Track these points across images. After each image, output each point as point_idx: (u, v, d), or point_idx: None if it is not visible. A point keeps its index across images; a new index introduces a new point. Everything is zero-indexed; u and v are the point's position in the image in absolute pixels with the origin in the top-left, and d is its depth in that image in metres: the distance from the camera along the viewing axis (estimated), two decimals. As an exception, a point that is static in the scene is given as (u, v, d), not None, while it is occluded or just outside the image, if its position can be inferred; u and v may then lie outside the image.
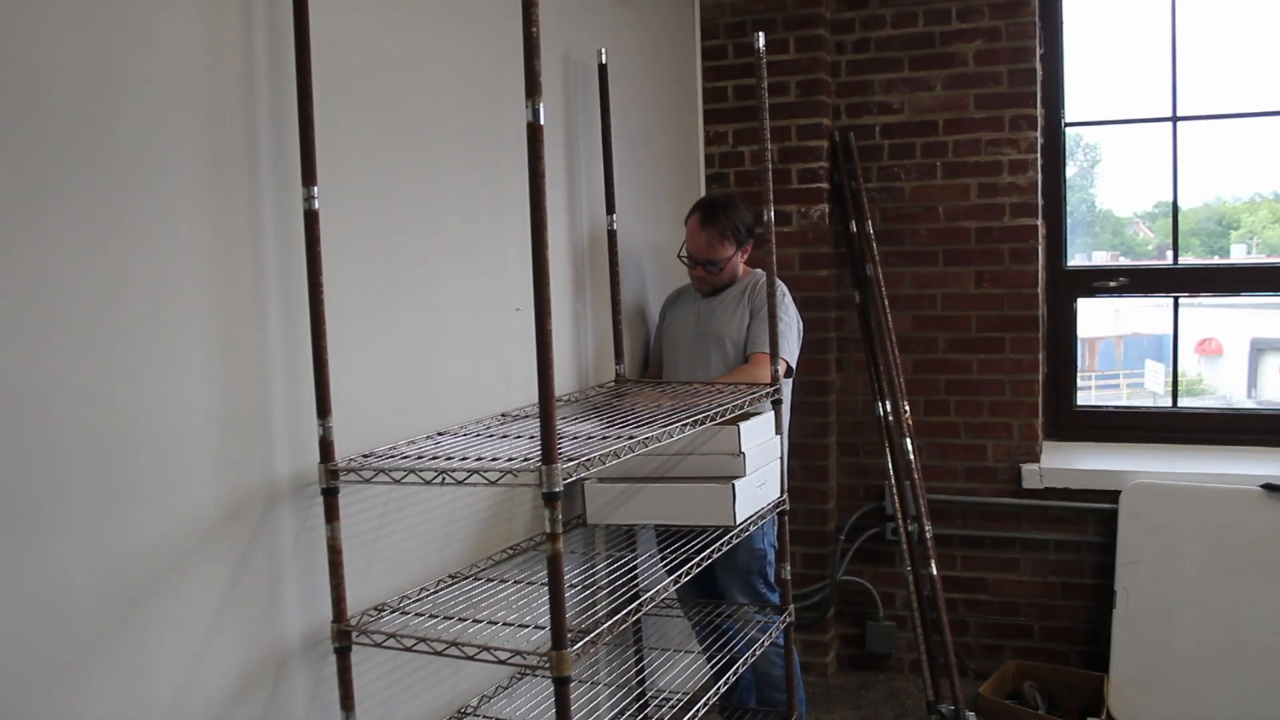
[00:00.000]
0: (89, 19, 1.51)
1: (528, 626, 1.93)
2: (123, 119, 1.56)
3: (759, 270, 2.99)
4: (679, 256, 3.04)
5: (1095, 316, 3.78)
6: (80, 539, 1.50)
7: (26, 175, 1.43)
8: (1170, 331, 3.47)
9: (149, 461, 1.60)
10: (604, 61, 2.85)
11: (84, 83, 1.50)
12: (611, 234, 2.90)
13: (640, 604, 2.04)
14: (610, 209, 2.89)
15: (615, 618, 1.93)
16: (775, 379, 2.70)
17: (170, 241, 1.64)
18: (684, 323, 3.06)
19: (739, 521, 2.41)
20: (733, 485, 2.38)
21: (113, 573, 1.55)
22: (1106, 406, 3.66)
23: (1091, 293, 3.51)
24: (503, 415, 2.42)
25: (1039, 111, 3.38)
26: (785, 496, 2.89)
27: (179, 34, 1.66)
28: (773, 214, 2.91)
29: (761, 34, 2.97)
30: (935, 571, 3.22)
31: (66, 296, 1.48)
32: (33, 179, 1.43)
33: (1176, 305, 3.45)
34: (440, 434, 2.21)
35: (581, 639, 1.79)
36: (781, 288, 2.88)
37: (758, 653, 2.65)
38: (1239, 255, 3.67)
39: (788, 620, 2.91)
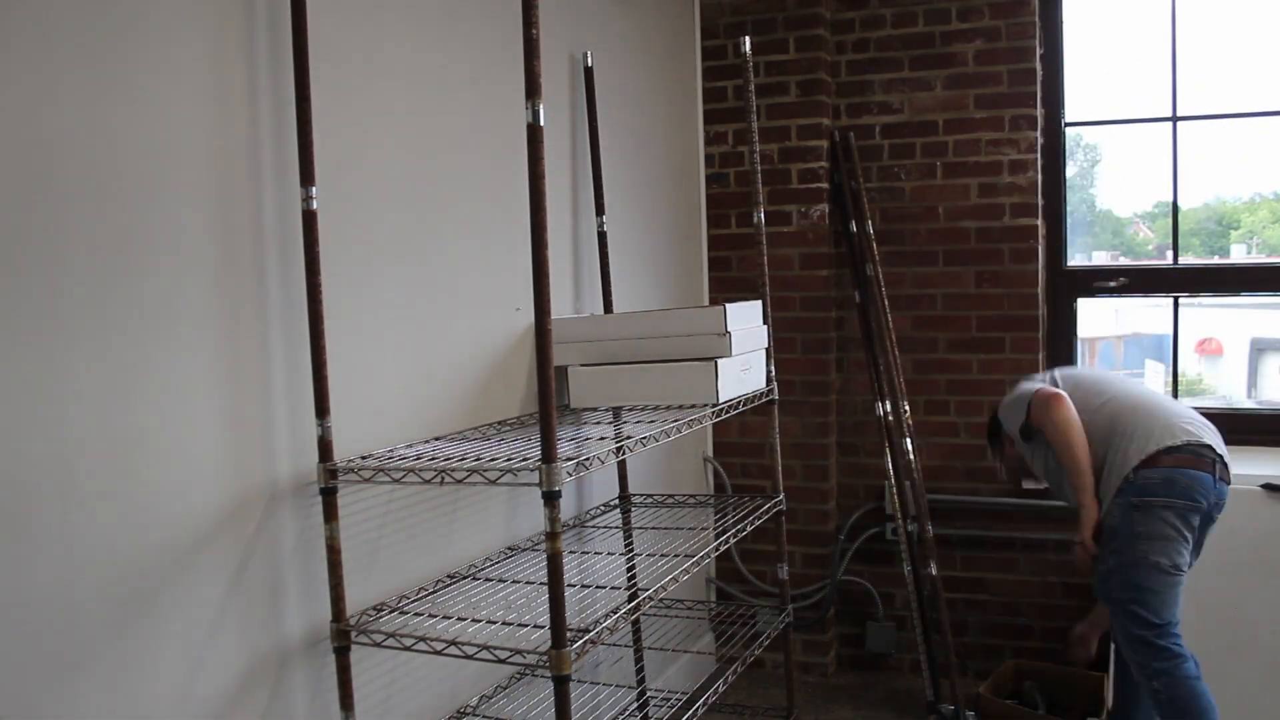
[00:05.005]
0: (94, 12, 1.52)
1: (527, 626, 1.93)
2: (127, 123, 1.57)
3: None
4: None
5: (1095, 316, 3.78)
6: (84, 539, 1.50)
7: (35, 182, 1.43)
8: (1170, 331, 3.47)
9: (151, 462, 1.61)
10: (590, 64, 2.85)
11: (89, 84, 1.51)
12: (602, 235, 2.90)
13: (640, 603, 2.04)
14: (600, 210, 2.89)
15: (615, 617, 1.93)
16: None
17: (172, 242, 1.64)
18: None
19: (722, 400, 2.40)
20: (715, 363, 2.37)
21: (115, 572, 1.55)
22: (1106, 406, 3.65)
23: (1091, 293, 3.51)
24: (500, 423, 2.42)
25: (1039, 111, 3.38)
26: (782, 497, 2.89)
27: (182, 35, 1.66)
28: (763, 215, 2.92)
29: (747, 38, 2.97)
30: (935, 571, 3.22)
31: (71, 299, 1.48)
32: (41, 187, 1.44)
33: (1176, 305, 3.45)
34: (438, 438, 2.22)
35: (581, 638, 1.79)
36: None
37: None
38: (1239, 255, 3.66)
39: (787, 620, 2.92)
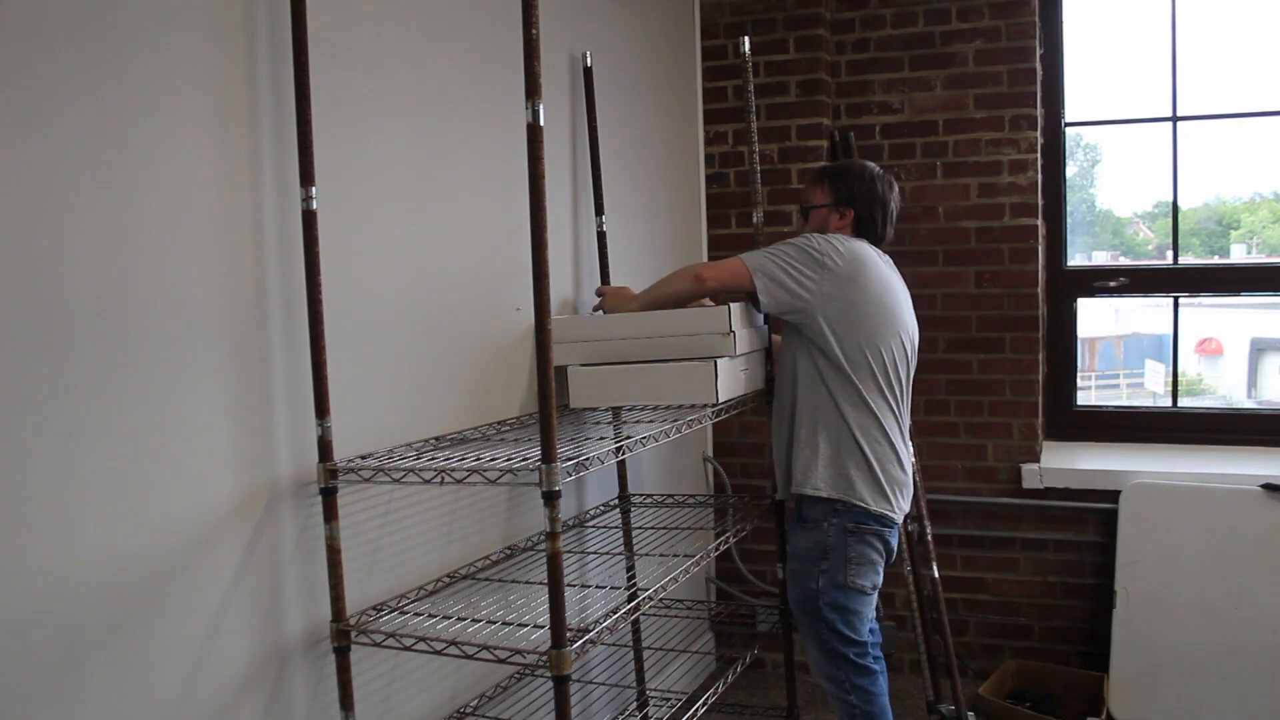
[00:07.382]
0: (95, 19, 1.52)
1: (527, 626, 1.93)
2: (127, 123, 1.57)
3: None
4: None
5: (1095, 316, 3.78)
6: (84, 538, 1.50)
7: (37, 184, 1.43)
8: (1170, 331, 3.47)
9: (152, 461, 1.61)
10: (589, 64, 2.85)
11: (90, 89, 1.51)
12: (602, 235, 2.90)
13: (639, 603, 2.04)
14: (599, 210, 2.89)
15: (615, 616, 1.93)
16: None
17: (173, 242, 1.65)
18: None
19: (722, 400, 2.39)
20: (715, 363, 2.36)
21: (116, 572, 1.55)
22: (1106, 406, 3.65)
23: (1091, 293, 3.51)
24: (500, 423, 2.42)
25: (1039, 111, 3.38)
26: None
27: (181, 35, 1.66)
28: (763, 215, 2.92)
29: (747, 38, 2.97)
30: (935, 572, 3.21)
31: (74, 298, 1.48)
32: (43, 187, 1.44)
33: (1176, 305, 3.45)
34: (437, 438, 2.22)
35: (581, 638, 1.79)
36: (817, 239, 2.51)
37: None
38: (1239, 255, 3.67)
39: (787, 620, 2.91)
